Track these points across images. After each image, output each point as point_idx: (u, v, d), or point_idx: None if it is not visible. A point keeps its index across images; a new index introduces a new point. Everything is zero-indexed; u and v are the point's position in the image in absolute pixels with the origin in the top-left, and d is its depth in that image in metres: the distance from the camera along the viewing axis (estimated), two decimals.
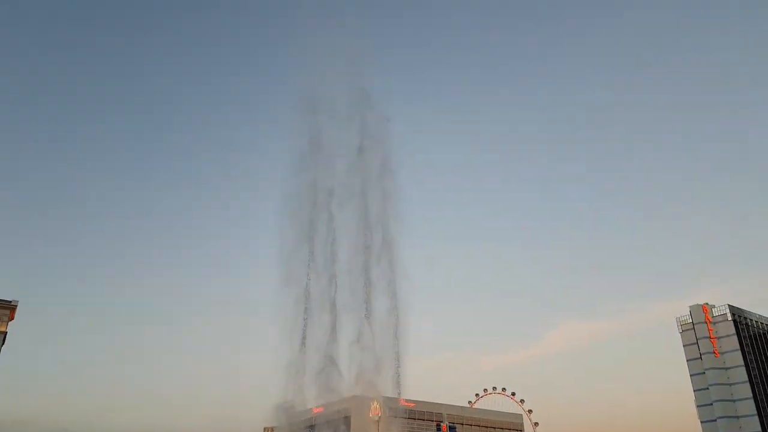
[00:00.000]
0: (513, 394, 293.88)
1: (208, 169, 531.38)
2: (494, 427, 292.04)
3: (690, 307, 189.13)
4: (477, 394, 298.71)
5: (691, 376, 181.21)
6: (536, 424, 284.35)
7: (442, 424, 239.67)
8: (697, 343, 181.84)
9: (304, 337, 77.88)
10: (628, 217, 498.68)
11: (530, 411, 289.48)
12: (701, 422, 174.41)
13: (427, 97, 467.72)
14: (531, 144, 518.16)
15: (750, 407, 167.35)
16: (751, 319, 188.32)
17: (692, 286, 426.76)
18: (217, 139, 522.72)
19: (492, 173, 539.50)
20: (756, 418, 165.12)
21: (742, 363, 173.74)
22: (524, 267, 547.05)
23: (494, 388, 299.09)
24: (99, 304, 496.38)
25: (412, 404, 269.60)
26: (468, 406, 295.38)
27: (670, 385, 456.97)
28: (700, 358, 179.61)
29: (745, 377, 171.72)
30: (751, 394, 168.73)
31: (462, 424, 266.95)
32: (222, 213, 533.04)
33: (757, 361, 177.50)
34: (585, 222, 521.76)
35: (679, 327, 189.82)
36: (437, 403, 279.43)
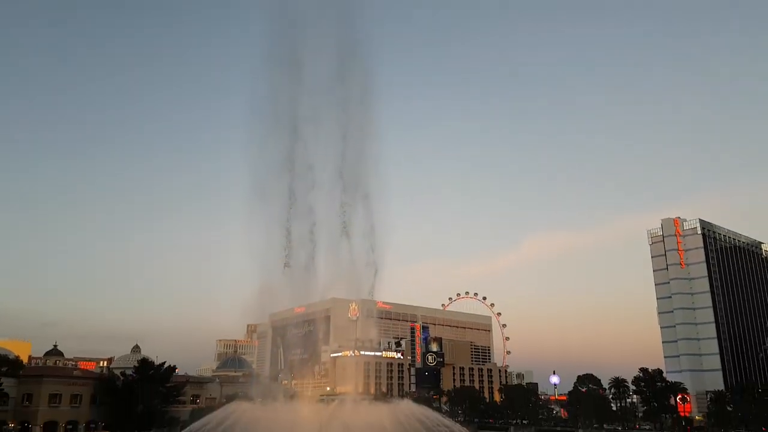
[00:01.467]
0: (484, 298, 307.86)
1: (183, 74, 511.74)
2: (464, 327, 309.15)
3: (662, 220, 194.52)
4: (450, 298, 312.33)
5: (656, 285, 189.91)
6: (504, 325, 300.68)
7: (416, 324, 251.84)
8: (665, 254, 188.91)
9: (283, 244, 77.44)
10: (604, 131, 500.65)
11: (499, 314, 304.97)
12: (661, 327, 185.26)
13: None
14: (510, 67, 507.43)
15: (708, 315, 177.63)
16: (720, 234, 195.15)
17: (668, 200, 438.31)
18: (189, 45, 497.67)
19: (472, 95, 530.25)
20: (713, 325, 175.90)
21: (706, 274, 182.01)
22: (500, 180, 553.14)
23: (466, 293, 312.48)
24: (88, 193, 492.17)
25: (389, 306, 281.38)
26: (441, 308, 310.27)
27: (635, 296, 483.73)
28: (667, 268, 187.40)
29: (707, 287, 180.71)
30: (710, 303, 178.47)
31: (435, 325, 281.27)
32: (193, 117, 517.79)
33: (720, 273, 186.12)
34: (561, 136, 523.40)
35: (650, 239, 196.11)
36: (412, 306, 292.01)
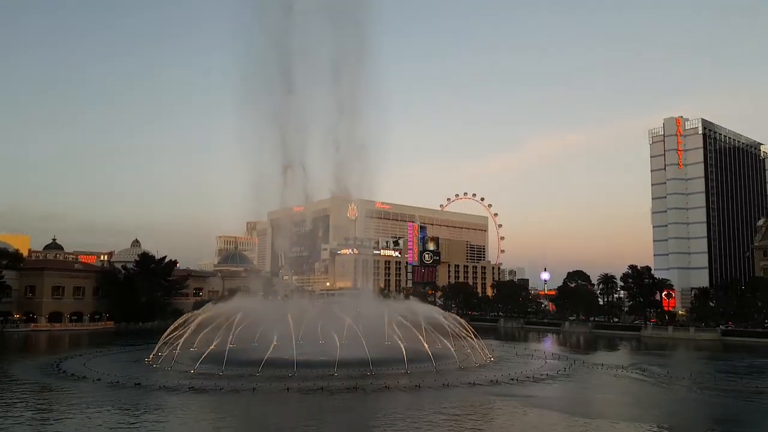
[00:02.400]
0: (482, 199, 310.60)
1: None
2: (461, 227, 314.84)
3: (664, 119, 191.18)
4: (448, 199, 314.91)
5: (652, 185, 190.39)
6: (500, 225, 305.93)
7: (413, 223, 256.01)
8: (665, 154, 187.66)
9: (279, 146, 75.81)
10: (607, 29, 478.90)
11: (496, 214, 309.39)
12: (653, 227, 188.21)
13: None
14: None
15: (701, 215, 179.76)
16: (720, 134, 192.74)
17: (672, 101, 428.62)
18: None
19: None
20: (704, 225, 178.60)
21: (703, 175, 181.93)
22: (501, 80, 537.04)
23: (465, 194, 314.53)
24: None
25: (388, 206, 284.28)
26: (439, 209, 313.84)
27: (632, 197, 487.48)
28: (664, 169, 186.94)
29: (702, 188, 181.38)
30: (704, 204, 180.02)
31: (432, 225, 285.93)
32: (181, 12, 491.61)
33: (717, 174, 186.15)
34: (562, 34, 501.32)
35: (650, 138, 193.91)
36: (410, 206, 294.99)
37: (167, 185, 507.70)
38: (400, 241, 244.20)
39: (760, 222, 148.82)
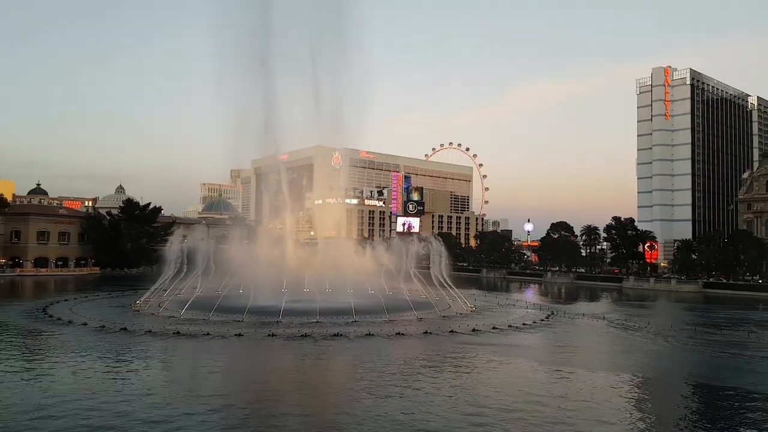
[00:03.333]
0: (467, 149, 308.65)
1: None
2: (445, 178, 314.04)
3: (652, 69, 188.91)
4: (433, 149, 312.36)
5: (638, 136, 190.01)
6: (484, 176, 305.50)
7: (398, 173, 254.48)
8: (651, 105, 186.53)
9: (261, 92, 73.28)
10: None
11: (481, 165, 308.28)
12: (638, 178, 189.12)
13: None
14: None
15: (686, 167, 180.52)
16: (709, 85, 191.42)
17: (661, 51, 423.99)
18: None
19: None
20: (689, 177, 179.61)
21: (689, 126, 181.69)
22: (488, 29, 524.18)
23: (450, 144, 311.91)
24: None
25: (372, 156, 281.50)
26: (424, 159, 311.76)
27: (616, 148, 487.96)
28: (651, 119, 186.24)
29: (689, 139, 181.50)
30: (689, 156, 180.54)
31: (417, 175, 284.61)
32: None
33: (704, 125, 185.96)
34: None
35: (638, 89, 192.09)
36: (395, 155, 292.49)
37: (150, 132, 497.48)
38: (385, 191, 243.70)
39: (745, 175, 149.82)
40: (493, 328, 52.54)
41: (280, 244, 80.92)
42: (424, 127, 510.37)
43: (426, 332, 48.51)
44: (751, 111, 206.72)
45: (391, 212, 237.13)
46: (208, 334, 45.32)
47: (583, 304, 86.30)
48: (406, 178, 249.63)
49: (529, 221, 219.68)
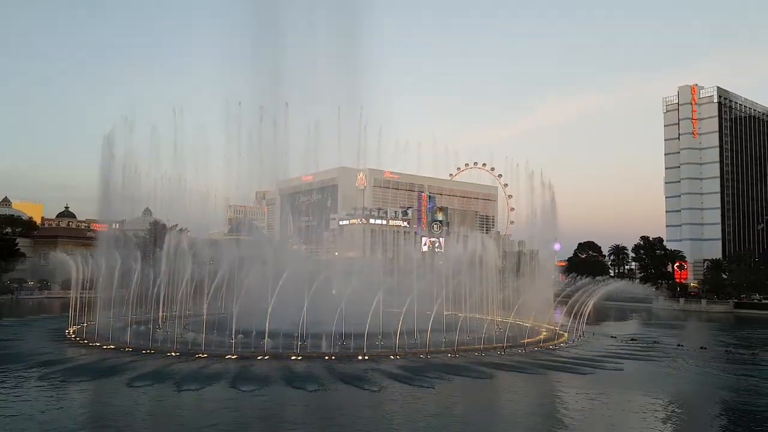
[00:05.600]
0: (492, 169, 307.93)
1: None
2: (470, 197, 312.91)
3: (678, 87, 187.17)
4: (458, 168, 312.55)
5: (665, 155, 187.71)
6: (510, 196, 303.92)
7: (423, 194, 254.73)
8: (679, 123, 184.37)
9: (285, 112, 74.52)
10: None
11: (506, 185, 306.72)
12: (666, 197, 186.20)
13: None
14: None
15: (715, 185, 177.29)
16: (736, 103, 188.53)
17: (688, 66, 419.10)
18: None
19: None
20: (718, 196, 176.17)
21: (717, 145, 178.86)
22: (512, 44, 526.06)
23: (474, 163, 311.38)
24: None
25: (396, 176, 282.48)
26: (448, 179, 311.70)
27: (644, 167, 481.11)
28: (678, 138, 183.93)
29: (717, 158, 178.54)
30: (718, 174, 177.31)
31: (441, 195, 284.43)
32: None
33: (732, 144, 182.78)
34: None
35: (664, 107, 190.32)
36: (419, 176, 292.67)
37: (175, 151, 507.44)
38: (409, 211, 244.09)
39: None
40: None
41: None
42: (448, 145, 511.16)
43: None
44: None
45: (415, 232, 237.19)
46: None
47: (612, 324, 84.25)
48: (431, 198, 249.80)
49: (556, 240, 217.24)
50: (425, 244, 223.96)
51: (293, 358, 40.65)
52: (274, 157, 79.93)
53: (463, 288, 64.99)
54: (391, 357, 42.03)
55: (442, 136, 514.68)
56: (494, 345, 47.74)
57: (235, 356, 40.89)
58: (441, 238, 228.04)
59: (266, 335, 42.65)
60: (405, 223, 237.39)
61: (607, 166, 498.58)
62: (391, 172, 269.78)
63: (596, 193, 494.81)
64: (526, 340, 50.99)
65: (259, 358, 40.63)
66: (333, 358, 41.12)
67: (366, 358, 41.46)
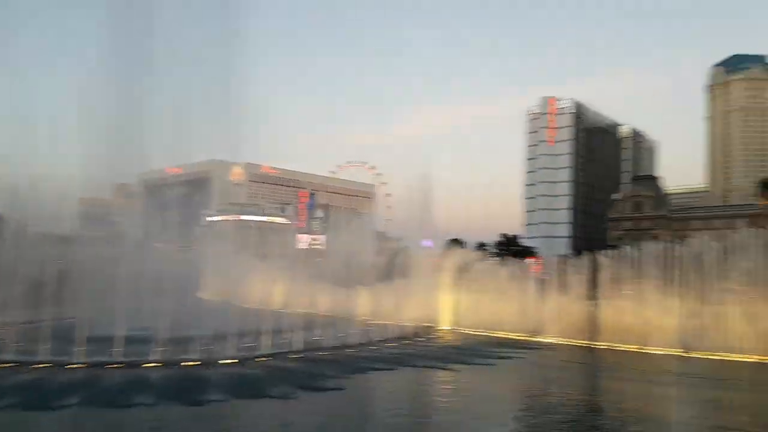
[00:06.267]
0: (372, 167, 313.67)
1: None
2: (350, 195, 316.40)
3: (540, 98, 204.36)
4: (339, 166, 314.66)
5: (527, 160, 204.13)
6: (388, 195, 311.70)
7: (303, 190, 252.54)
8: (539, 131, 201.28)
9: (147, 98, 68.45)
10: (504, 11, 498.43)
11: (384, 183, 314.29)
12: (525, 199, 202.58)
13: None
14: None
15: (566, 189, 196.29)
16: (587, 115, 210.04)
17: (553, 84, 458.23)
18: None
19: None
20: (568, 198, 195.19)
21: (570, 151, 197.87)
22: (396, 49, 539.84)
23: (355, 161, 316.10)
24: None
25: (275, 171, 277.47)
26: (329, 176, 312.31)
27: (510, 171, 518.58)
28: (538, 144, 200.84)
29: (569, 164, 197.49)
30: (569, 178, 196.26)
31: (321, 192, 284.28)
32: None
33: (583, 151, 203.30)
34: (464, 6, 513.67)
35: (528, 116, 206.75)
36: (300, 172, 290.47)
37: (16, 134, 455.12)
38: (288, 208, 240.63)
39: (616, 196, 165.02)
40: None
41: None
42: (328, 143, 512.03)
43: None
44: (622, 139, 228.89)
45: (294, 229, 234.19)
46: None
47: None
48: (311, 195, 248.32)
49: (426, 238, 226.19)
50: (304, 241, 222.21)
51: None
52: (134, 146, 73.84)
53: (340, 285, 64.99)
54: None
55: (324, 135, 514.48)
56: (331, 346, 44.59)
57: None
58: (320, 235, 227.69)
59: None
60: (283, 220, 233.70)
61: (480, 171, 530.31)
62: (271, 167, 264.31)
63: (468, 195, 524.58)
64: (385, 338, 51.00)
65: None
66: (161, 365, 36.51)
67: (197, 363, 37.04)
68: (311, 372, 34.45)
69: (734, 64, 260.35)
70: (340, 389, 30.30)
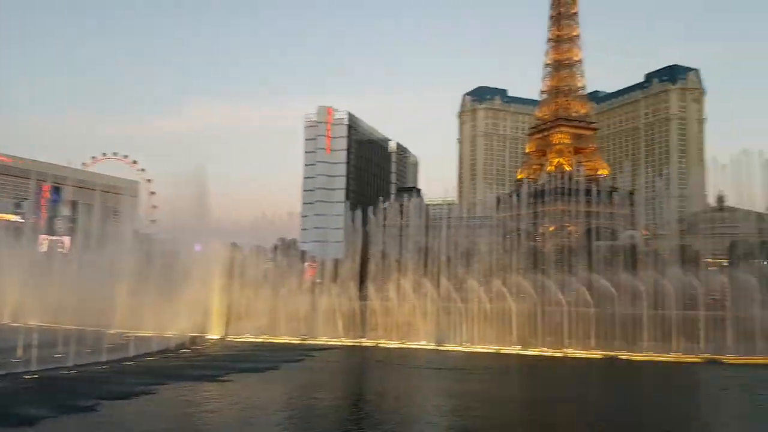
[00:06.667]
0: (134, 162, 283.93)
1: None
2: (107, 192, 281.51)
3: (318, 107, 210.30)
4: (93, 157, 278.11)
5: (305, 166, 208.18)
6: (153, 193, 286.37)
7: (44, 183, 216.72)
8: (317, 139, 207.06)
9: None
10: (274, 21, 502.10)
11: (149, 180, 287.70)
12: (303, 204, 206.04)
13: None
14: None
15: (341, 195, 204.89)
16: (363, 128, 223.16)
17: (332, 92, 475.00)
18: None
19: None
20: (342, 205, 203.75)
21: (345, 161, 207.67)
22: (170, 42, 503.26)
23: (115, 154, 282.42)
24: None
25: (8, 159, 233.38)
26: (81, 168, 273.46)
27: (291, 176, 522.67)
28: (316, 152, 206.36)
29: (344, 172, 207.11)
30: (344, 186, 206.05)
31: (71, 186, 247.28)
32: None
33: (357, 161, 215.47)
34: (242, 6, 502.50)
35: (306, 123, 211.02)
36: (42, 162, 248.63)
37: None
38: (26, 204, 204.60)
39: (384, 204, 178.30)
40: None
41: None
42: (80, 131, 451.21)
43: None
44: (390, 153, 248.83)
45: (33, 228, 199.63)
46: None
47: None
48: (56, 189, 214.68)
49: (199, 241, 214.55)
50: (45, 243, 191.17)
51: None
52: None
53: (90, 294, 57.33)
54: None
55: (77, 124, 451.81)
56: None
57: None
58: (66, 236, 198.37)
59: None
60: (19, 218, 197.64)
61: (258, 172, 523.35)
62: (3, 154, 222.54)
63: (247, 198, 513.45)
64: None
65: None
66: None
67: None
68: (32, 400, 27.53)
69: (480, 94, 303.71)
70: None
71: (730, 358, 48.72)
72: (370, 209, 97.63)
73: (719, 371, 45.75)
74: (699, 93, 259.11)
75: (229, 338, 60.62)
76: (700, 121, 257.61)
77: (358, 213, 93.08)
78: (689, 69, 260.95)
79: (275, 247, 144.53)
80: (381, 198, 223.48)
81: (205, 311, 60.55)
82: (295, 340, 60.36)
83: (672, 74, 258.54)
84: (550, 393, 36.27)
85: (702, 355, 49.86)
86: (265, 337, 61.18)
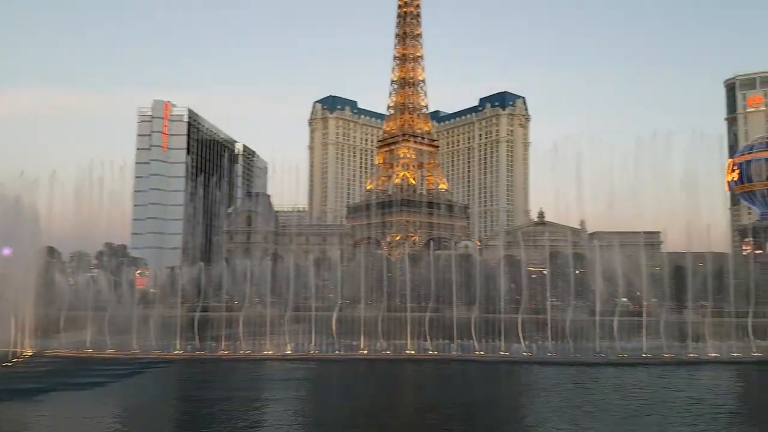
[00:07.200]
0: None
1: None
2: None
3: (154, 100, 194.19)
4: None
5: (136, 164, 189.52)
6: None
7: None
8: (151, 135, 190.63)
9: None
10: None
11: None
12: (134, 206, 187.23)
13: None
14: None
15: (180, 198, 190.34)
16: (203, 126, 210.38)
17: (174, 85, 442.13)
18: None
19: None
20: (182, 208, 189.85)
21: (185, 161, 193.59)
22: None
23: None
24: None
25: None
26: None
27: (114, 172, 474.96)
28: (150, 149, 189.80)
29: (183, 173, 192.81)
30: (183, 188, 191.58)
31: None
32: None
33: (199, 162, 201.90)
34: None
35: (138, 117, 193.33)
36: None
37: None
38: None
39: (230, 210, 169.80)
40: None
41: None
42: None
43: None
44: (237, 155, 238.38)
45: None
46: None
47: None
48: None
49: (6, 246, 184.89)
50: None
51: None
52: None
53: None
54: None
55: None
56: None
57: None
58: None
59: None
60: None
61: (86, 167, 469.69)
62: None
63: (71, 195, 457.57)
64: None
65: None
66: None
67: None
68: None
69: (331, 103, 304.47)
70: None
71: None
72: (213, 214, 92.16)
73: None
74: (525, 119, 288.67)
75: (48, 352, 52.87)
76: (525, 145, 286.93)
77: (199, 218, 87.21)
78: (517, 96, 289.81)
79: (100, 253, 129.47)
80: (225, 203, 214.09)
81: (16, 323, 51.97)
82: (117, 354, 54.34)
83: (502, 100, 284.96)
84: None
85: None
86: (89, 351, 54.37)
